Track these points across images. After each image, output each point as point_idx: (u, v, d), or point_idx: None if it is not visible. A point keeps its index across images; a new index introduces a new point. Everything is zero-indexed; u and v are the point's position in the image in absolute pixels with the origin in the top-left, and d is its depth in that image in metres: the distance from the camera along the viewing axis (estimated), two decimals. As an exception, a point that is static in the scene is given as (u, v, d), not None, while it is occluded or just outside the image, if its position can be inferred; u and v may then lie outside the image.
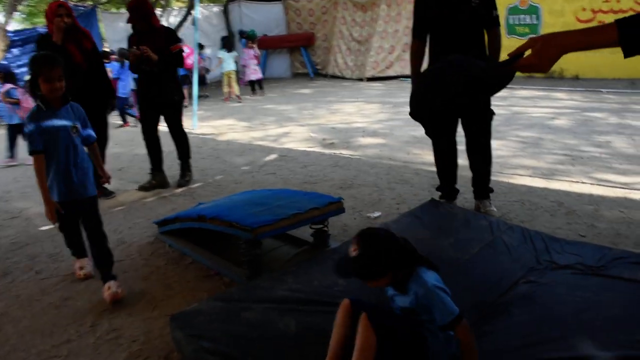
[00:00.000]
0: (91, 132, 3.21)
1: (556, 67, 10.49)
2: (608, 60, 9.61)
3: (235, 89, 12.74)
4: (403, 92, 12.37)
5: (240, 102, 12.40)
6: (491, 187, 4.08)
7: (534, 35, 1.63)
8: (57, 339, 2.78)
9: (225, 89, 12.73)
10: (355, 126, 8.36)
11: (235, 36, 16.84)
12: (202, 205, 4.01)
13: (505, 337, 2.25)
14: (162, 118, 5.33)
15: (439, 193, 4.25)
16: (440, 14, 3.71)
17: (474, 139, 3.95)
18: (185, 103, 8.39)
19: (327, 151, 6.69)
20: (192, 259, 3.64)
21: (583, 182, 4.70)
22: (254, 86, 13.35)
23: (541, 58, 1.58)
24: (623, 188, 4.46)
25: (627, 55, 1.48)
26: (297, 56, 17.49)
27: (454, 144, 4.04)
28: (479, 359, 2.02)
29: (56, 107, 2.99)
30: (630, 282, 2.60)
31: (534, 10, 12.80)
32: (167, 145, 5.55)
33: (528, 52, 1.64)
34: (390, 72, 15.03)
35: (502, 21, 13.44)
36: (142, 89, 5.21)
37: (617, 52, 1.51)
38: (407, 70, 14.68)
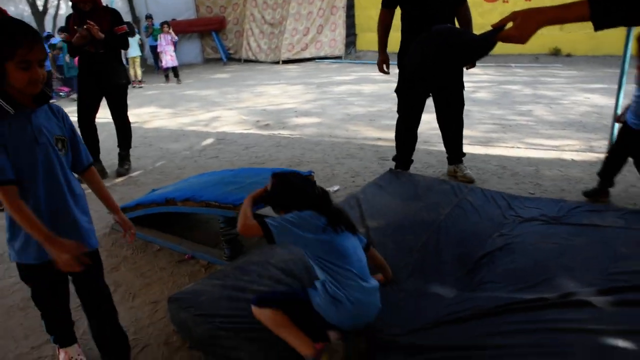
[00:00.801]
0: (86, 150, 2.09)
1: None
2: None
3: (138, 74, 12.41)
4: (322, 73, 12.52)
5: (141, 86, 12.18)
6: (464, 152, 4.31)
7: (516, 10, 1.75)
8: (35, 341, 2.62)
9: (132, 72, 12.31)
10: (285, 107, 8.37)
11: (141, 21, 16.11)
12: (160, 191, 3.88)
13: (498, 284, 2.41)
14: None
15: (393, 163, 4.39)
16: None
17: (451, 108, 4.14)
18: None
19: (264, 132, 6.66)
20: (160, 245, 3.53)
21: (518, 147, 5.07)
22: (169, 73, 12.90)
23: (521, 31, 1.70)
24: (555, 150, 4.88)
25: (597, 29, 1.65)
26: (209, 41, 17.06)
27: (420, 117, 4.21)
28: (472, 305, 2.18)
29: (30, 107, 1.83)
30: (590, 226, 2.88)
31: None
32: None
33: (509, 25, 1.76)
34: (306, 54, 15.11)
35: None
36: (84, 73, 4.86)
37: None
38: (322, 52, 14.89)
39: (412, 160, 4.36)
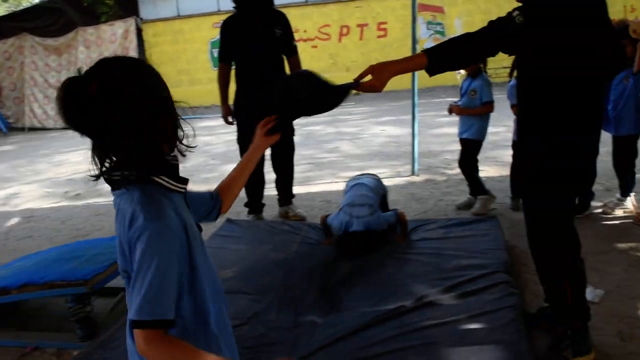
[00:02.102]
0: (203, 192, 1.60)
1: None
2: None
3: None
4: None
5: None
6: (293, 194, 4.58)
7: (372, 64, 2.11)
8: None
9: None
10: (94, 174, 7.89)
11: None
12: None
13: (360, 302, 2.68)
14: None
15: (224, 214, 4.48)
16: (247, 41, 4.01)
17: (284, 153, 4.40)
18: None
19: (78, 203, 6.21)
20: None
21: (336, 182, 5.56)
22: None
23: (379, 81, 2.04)
24: (368, 179, 5.45)
25: (430, 75, 2.09)
26: (-19, 111, 15.28)
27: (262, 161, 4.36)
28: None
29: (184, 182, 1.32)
30: (420, 240, 3.35)
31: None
32: None
33: (368, 77, 2.07)
34: (101, 116, 14.40)
35: (206, 55, 14.41)
36: None
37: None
38: (119, 112, 14.35)
39: (264, 204, 4.53)
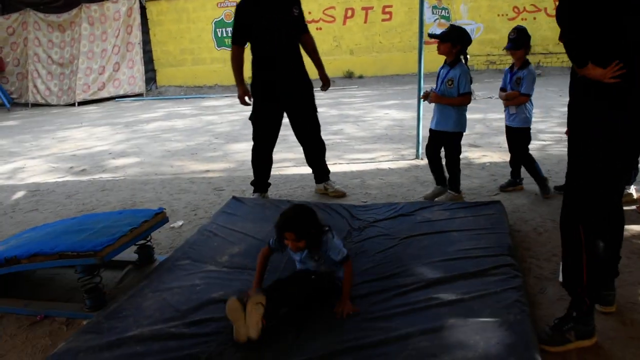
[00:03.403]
0: None
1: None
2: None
3: None
4: (126, 112, 12.08)
5: None
6: (328, 169, 4.61)
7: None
8: None
9: None
10: (97, 150, 7.92)
11: None
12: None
13: (362, 280, 2.72)
14: None
15: (230, 193, 4.53)
16: (266, 22, 4.01)
17: (309, 130, 4.41)
18: None
19: (83, 178, 6.25)
20: (1, 312, 3.15)
21: (340, 163, 5.58)
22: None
23: None
24: (372, 162, 5.50)
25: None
26: (-16, 86, 15.23)
27: (274, 141, 4.42)
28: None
29: None
30: (424, 222, 3.37)
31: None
32: None
33: None
34: (104, 94, 14.37)
35: (210, 35, 14.34)
36: None
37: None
38: (122, 90, 14.36)
39: (269, 184, 4.56)
